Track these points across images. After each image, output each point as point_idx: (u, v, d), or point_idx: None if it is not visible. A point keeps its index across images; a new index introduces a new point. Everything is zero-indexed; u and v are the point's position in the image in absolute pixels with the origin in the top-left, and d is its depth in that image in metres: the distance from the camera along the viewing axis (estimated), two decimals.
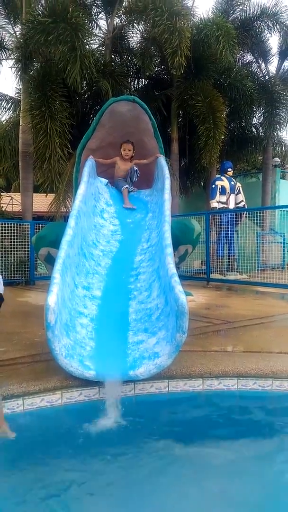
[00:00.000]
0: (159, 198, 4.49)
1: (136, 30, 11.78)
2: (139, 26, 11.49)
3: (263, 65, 14.27)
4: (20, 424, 2.36)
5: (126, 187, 5.03)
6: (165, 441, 2.33)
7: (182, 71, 9.75)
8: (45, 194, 12.59)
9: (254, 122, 14.41)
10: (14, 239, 8.86)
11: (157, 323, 2.89)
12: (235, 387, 2.74)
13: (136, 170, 5.16)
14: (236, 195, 10.13)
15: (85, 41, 8.50)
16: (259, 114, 13.56)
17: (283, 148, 15.95)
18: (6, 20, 11.01)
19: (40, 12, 9.29)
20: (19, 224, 9.16)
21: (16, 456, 2.19)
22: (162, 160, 5.02)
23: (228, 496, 1.93)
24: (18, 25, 10.84)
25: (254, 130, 14.65)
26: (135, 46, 11.96)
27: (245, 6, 13.06)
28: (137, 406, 2.61)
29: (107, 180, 5.24)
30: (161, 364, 2.51)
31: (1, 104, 12.64)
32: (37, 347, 3.36)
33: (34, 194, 11.65)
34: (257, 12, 12.82)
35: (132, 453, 2.20)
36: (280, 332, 4.03)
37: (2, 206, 12.82)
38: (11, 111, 12.90)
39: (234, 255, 9.26)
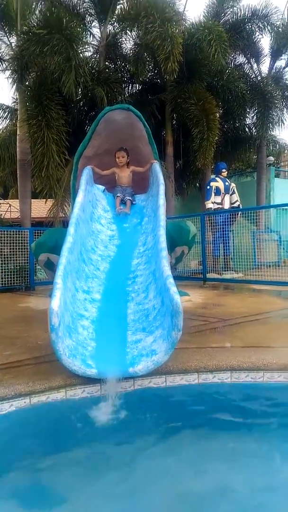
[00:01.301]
0: (154, 203, 4.68)
1: (129, 36, 12.00)
2: (132, 33, 11.70)
3: (255, 66, 14.50)
4: (28, 421, 2.55)
5: (118, 196, 5.21)
6: (163, 430, 2.53)
7: (175, 76, 9.96)
8: (44, 200, 12.79)
9: (247, 123, 14.66)
10: (13, 245, 9.03)
11: (154, 322, 3.08)
12: (228, 380, 2.93)
13: (132, 195, 5.33)
14: (231, 195, 10.32)
15: (79, 50, 8.67)
16: (252, 115, 13.77)
17: (277, 147, 16.16)
18: (1, 32, 11.20)
19: (35, 23, 9.50)
20: (18, 231, 9.35)
21: (26, 447, 2.38)
22: (156, 166, 5.20)
23: (224, 481, 2.12)
24: (13, 36, 11.05)
25: (247, 130, 14.88)
26: (128, 52, 12.18)
27: (236, 8, 13.32)
28: (137, 400, 2.79)
29: (103, 187, 5.44)
30: (158, 360, 2.69)
31: None
32: (41, 350, 3.53)
33: (33, 200, 11.85)
34: (247, 14, 13.07)
35: (133, 442, 2.39)
36: (273, 328, 4.21)
37: (1, 214, 13.03)
38: (8, 120, 13.10)
39: (229, 255, 9.45)
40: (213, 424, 2.69)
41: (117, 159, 5.39)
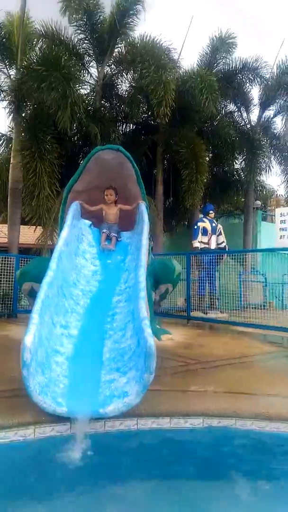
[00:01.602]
0: (138, 242, 4.75)
1: (125, 79, 12.52)
2: (128, 76, 12.23)
3: (245, 114, 15.12)
4: None
5: (104, 232, 5.29)
6: (132, 475, 2.48)
7: (167, 120, 10.35)
8: (33, 227, 12.83)
9: (236, 167, 15.13)
10: None
11: (129, 363, 3.07)
12: (200, 426, 2.90)
13: (118, 232, 5.44)
14: (218, 236, 10.50)
15: (75, 88, 9.00)
16: (241, 160, 14.24)
17: (264, 192, 16.64)
18: (1, 64, 11.61)
19: (34, 59, 9.87)
20: (4, 257, 9.31)
21: None
22: (142, 206, 5.31)
23: None
24: (13, 68, 11.44)
25: (236, 174, 15.36)
26: (123, 93, 12.67)
27: (228, 60, 14.00)
28: (107, 442, 2.75)
29: (90, 222, 5.52)
30: (129, 403, 2.67)
31: None
32: (15, 383, 3.46)
33: (22, 226, 11.88)
34: (239, 66, 13.77)
35: (100, 483, 2.33)
36: (250, 373, 4.21)
37: None
38: (3, 147, 13.34)
39: (215, 294, 9.49)
40: (184, 470, 2.65)
41: (105, 197, 5.50)
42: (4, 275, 9.00)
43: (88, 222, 5.48)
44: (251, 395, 3.28)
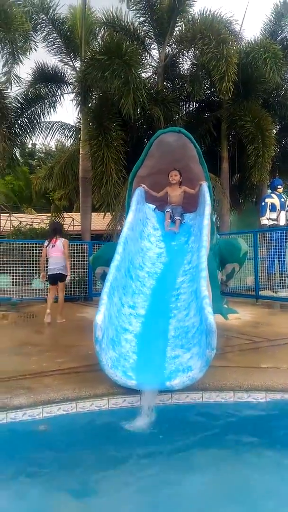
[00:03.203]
0: (200, 223, 4.85)
1: (186, 57, 12.34)
2: (189, 54, 12.04)
3: None
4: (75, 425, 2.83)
5: (168, 211, 5.43)
6: (197, 445, 2.68)
7: (230, 95, 10.09)
8: (102, 213, 13.39)
9: None
10: (74, 257, 9.55)
11: (193, 340, 3.25)
12: (263, 400, 3.01)
13: (182, 214, 5.57)
14: (287, 212, 10.15)
15: (137, 74, 9.12)
16: None
17: None
18: (67, 58, 12.08)
19: (97, 49, 10.14)
20: (79, 244, 9.90)
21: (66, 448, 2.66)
22: (205, 186, 5.37)
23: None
24: (77, 60, 11.86)
25: None
26: (185, 72, 12.51)
27: None
28: (174, 414, 2.97)
29: (154, 206, 5.71)
30: (193, 376, 2.86)
31: (64, 132, 13.72)
32: (90, 359, 3.81)
33: (93, 213, 12.46)
34: None
35: (163, 450, 2.57)
36: None
37: (65, 227, 13.80)
38: (73, 139, 13.95)
39: (286, 272, 9.25)
40: (245, 442, 2.79)
41: (170, 178, 5.63)
42: (79, 260, 9.59)
43: (152, 206, 5.66)
44: None
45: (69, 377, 3.29)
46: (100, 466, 2.53)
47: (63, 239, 6.65)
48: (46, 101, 11.92)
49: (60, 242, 6.52)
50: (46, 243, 6.65)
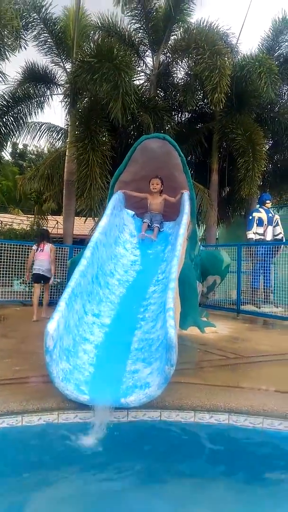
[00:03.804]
0: (177, 232, 4.67)
1: (180, 67, 12.26)
2: (183, 63, 11.96)
3: None
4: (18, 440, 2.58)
5: (145, 222, 5.25)
6: (150, 465, 2.46)
7: (222, 107, 10.01)
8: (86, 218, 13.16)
9: None
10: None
11: (155, 353, 3.03)
12: (225, 422, 2.79)
13: (161, 223, 5.40)
14: (274, 227, 10.04)
15: (127, 79, 8.98)
16: None
17: None
18: (58, 58, 11.94)
19: (88, 52, 10.00)
20: (59, 248, 9.64)
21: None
22: (185, 195, 5.21)
23: None
24: (69, 62, 11.73)
25: None
26: (179, 81, 12.43)
27: None
28: (129, 432, 2.74)
29: (133, 212, 5.51)
30: (150, 394, 2.63)
31: (52, 134, 13.53)
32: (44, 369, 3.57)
33: (77, 217, 12.21)
34: None
35: (108, 469, 2.35)
36: None
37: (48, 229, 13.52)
38: (61, 141, 13.77)
39: (270, 288, 9.11)
40: (203, 466, 2.57)
41: (151, 185, 5.47)
42: (60, 264, 9.32)
43: (131, 212, 5.47)
44: (281, 392, 3.10)
45: (18, 388, 3.04)
46: (40, 484, 2.34)
47: (51, 244, 7.28)
48: (34, 101, 11.74)
49: (48, 247, 7.13)
50: (34, 247, 7.20)
